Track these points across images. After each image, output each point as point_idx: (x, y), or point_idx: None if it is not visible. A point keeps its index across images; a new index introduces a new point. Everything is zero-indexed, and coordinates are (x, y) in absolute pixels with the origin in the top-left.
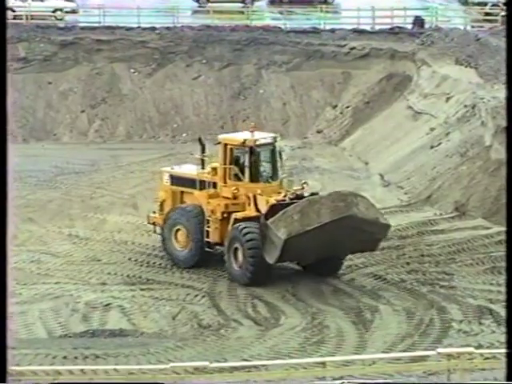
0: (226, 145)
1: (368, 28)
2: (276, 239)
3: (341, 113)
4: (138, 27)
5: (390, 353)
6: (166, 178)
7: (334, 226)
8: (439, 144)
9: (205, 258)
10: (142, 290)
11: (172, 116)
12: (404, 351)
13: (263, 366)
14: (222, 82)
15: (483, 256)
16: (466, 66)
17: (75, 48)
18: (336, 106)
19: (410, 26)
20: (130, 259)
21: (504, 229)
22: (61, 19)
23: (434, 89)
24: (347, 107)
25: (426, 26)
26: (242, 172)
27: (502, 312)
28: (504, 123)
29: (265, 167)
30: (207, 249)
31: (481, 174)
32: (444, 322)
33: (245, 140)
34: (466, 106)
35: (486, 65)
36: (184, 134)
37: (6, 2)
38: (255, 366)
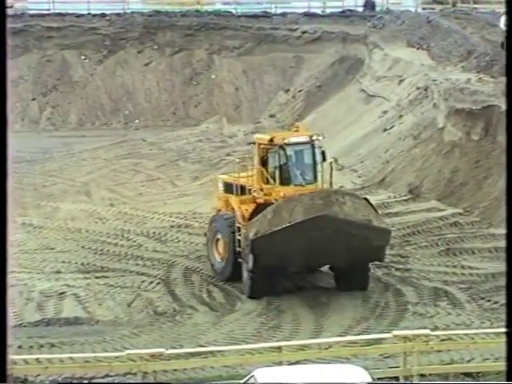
0: (259, 145)
1: (319, 11)
2: (247, 241)
3: (293, 97)
4: (88, 14)
5: (345, 336)
6: (221, 185)
7: (307, 226)
8: (392, 127)
9: (240, 271)
10: (96, 277)
11: (124, 103)
12: (360, 334)
13: (219, 351)
14: (173, 68)
15: (438, 238)
16: (418, 49)
17: (25, 35)
18: (288, 90)
19: (360, 9)
20: (83, 247)
21: (458, 210)
22: (11, 7)
23: (387, 71)
24: (300, 91)
25: (377, 8)
26: (273, 174)
27: (458, 294)
28: (457, 105)
29: (297, 169)
30: (240, 260)
31: (434, 156)
32: (399, 304)
33: (272, 138)
34: (418, 89)
35: (437, 47)
36: (136, 121)
37: (5, 1)
38: (211, 352)
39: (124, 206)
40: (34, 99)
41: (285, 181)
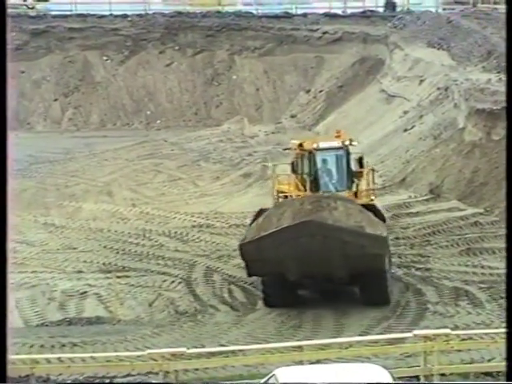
0: (294, 150)
1: (340, 12)
2: None
3: (314, 97)
4: (110, 15)
5: (366, 336)
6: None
7: (294, 232)
8: (413, 127)
9: None
10: (118, 277)
11: (145, 103)
12: (381, 334)
13: (240, 351)
14: (194, 69)
15: (458, 238)
16: (439, 49)
17: (47, 36)
18: (309, 91)
19: (381, 10)
20: (105, 247)
21: (478, 210)
22: (32, 8)
23: (407, 72)
24: (320, 91)
25: (398, 9)
26: (304, 181)
27: (478, 293)
28: (477, 105)
29: (327, 175)
30: None
31: (454, 156)
32: (420, 304)
33: (302, 143)
34: (438, 89)
35: (458, 47)
36: (158, 121)
37: (5, 1)
38: (232, 351)
39: (146, 206)
40: (56, 100)
41: (314, 188)
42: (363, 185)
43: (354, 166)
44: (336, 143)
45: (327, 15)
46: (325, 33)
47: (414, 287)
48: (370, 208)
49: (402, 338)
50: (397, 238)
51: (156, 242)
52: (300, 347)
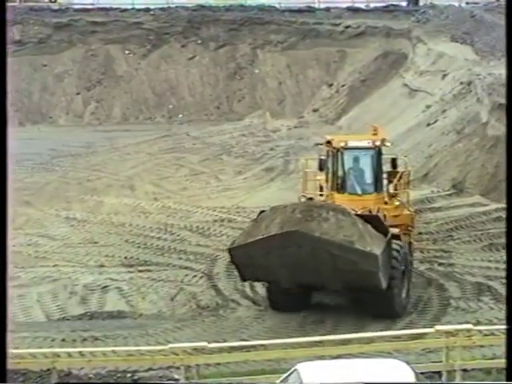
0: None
1: (363, 6)
2: None
3: (337, 91)
4: (133, 8)
5: (388, 331)
6: None
7: (280, 241)
8: (435, 121)
9: None
10: (139, 271)
11: (168, 97)
12: (403, 329)
13: (262, 345)
14: (217, 62)
15: (481, 233)
16: (462, 43)
17: (69, 30)
18: (332, 85)
19: (404, 4)
20: (127, 241)
21: (501, 205)
22: (54, 1)
23: (430, 66)
24: (343, 86)
25: (421, 3)
26: (331, 180)
27: (501, 289)
28: (500, 100)
29: (355, 176)
30: None
31: (477, 150)
32: (442, 299)
33: (330, 141)
34: (462, 83)
35: (481, 41)
36: (180, 115)
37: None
38: (254, 346)
39: (168, 200)
40: (78, 94)
41: (340, 188)
42: (392, 188)
43: (386, 168)
44: (366, 143)
45: (350, 9)
46: (348, 27)
47: (437, 282)
48: (372, 220)
49: (424, 333)
50: (419, 233)
51: (178, 236)
52: (322, 342)
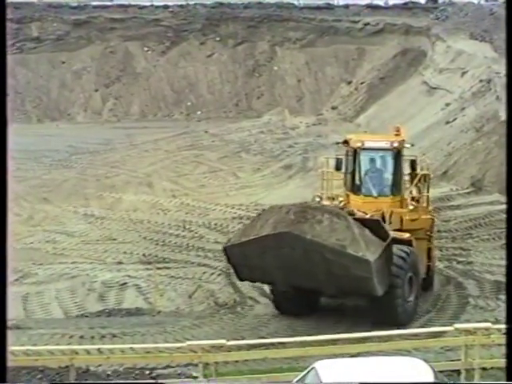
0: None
1: (382, 3)
2: None
3: (355, 89)
4: (151, 5)
5: (407, 329)
6: None
7: (273, 242)
8: (455, 119)
9: None
10: (158, 268)
11: (186, 94)
12: (421, 327)
13: (280, 343)
14: (236, 60)
15: (500, 231)
16: (481, 41)
17: (88, 27)
18: (351, 82)
19: (423, 1)
20: (145, 238)
21: None
22: None
23: (449, 64)
24: (362, 83)
25: (440, 0)
26: (346, 181)
27: None
28: None
29: (371, 177)
30: None
31: (497, 148)
32: (461, 297)
33: (347, 140)
34: (481, 81)
35: (500, 39)
36: (198, 112)
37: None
38: (272, 344)
39: (186, 198)
40: (96, 90)
41: (355, 189)
42: (414, 192)
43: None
44: (384, 143)
45: (369, 6)
46: (366, 24)
47: (456, 280)
48: (372, 224)
49: (443, 331)
50: (438, 231)
51: (196, 233)
52: (340, 340)
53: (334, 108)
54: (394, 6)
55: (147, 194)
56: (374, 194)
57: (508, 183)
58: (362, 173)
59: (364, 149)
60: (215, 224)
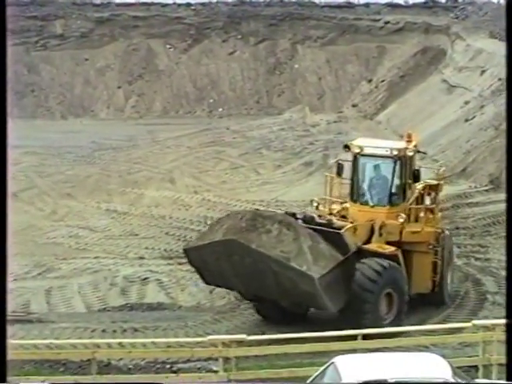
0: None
1: (402, 2)
2: None
3: (376, 87)
4: (174, 3)
5: (425, 325)
6: None
7: (222, 248)
8: (474, 117)
9: None
10: (179, 264)
11: (208, 91)
12: (440, 323)
13: (300, 338)
14: (257, 57)
15: None
16: (500, 39)
17: (111, 24)
18: (371, 80)
19: (443, 0)
20: (167, 233)
21: None
22: None
23: (469, 62)
24: (382, 81)
25: None
26: (349, 187)
27: None
28: None
29: (369, 186)
30: None
31: None
32: (479, 294)
33: (348, 145)
34: (500, 80)
35: None
36: (220, 109)
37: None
38: (292, 339)
39: (207, 194)
40: (119, 87)
41: (353, 197)
42: (427, 202)
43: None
44: (384, 150)
45: (389, 5)
46: (387, 23)
47: (474, 277)
48: (333, 237)
49: (461, 327)
50: (457, 228)
51: None
52: (359, 336)
53: (354, 106)
54: (415, 5)
55: (169, 189)
56: (370, 203)
57: (508, 183)
58: (360, 180)
59: (363, 155)
60: None
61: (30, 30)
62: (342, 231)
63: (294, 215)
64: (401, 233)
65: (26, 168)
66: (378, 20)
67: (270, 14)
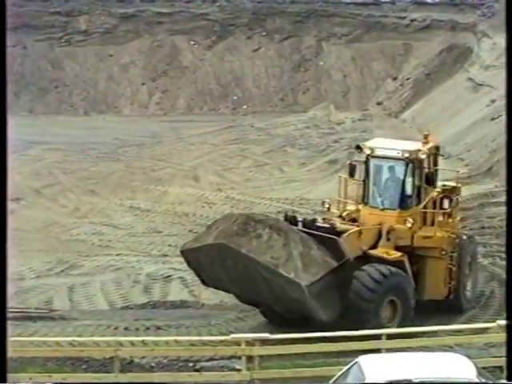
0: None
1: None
2: None
3: (401, 85)
4: None
5: (450, 325)
6: None
7: (215, 252)
8: (500, 116)
9: None
10: None
11: (232, 88)
12: (465, 323)
13: (324, 337)
14: (282, 54)
15: None
16: None
17: (136, 20)
18: (396, 78)
19: None
20: (190, 231)
21: None
22: None
23: (495, 60)
24: (408, 79)
25: None
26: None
27: None
28: None
29: (380, 187)
30: None
31: None
32: (504, 294)
33: (360, 146)
34: None
35: None
36: (244, 106)
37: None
38: (316, 338)
39: (231, 191)
40: (143, 84)
41: (364, 199)
42: (446, 205)
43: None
44: (396, 153)
45: (416, 2)
46: (413, 20)
47: (499, 277)
48: (329, 243)
49: (486, 327)
50: (483, 228)
51: None
52: (383, 335)
53: (379, 103)
54: (441, 3)
55: (193, 187)
56: (380, 206)
57: (508, 183)
58: (371, 182)
59: (374, 156)
60: None
61: (55, 26)
62: (337, 237)
63: (294, 218)
64: (412, 237)
65: (49, 164)
66: (404, 17)
67: (296, 10)
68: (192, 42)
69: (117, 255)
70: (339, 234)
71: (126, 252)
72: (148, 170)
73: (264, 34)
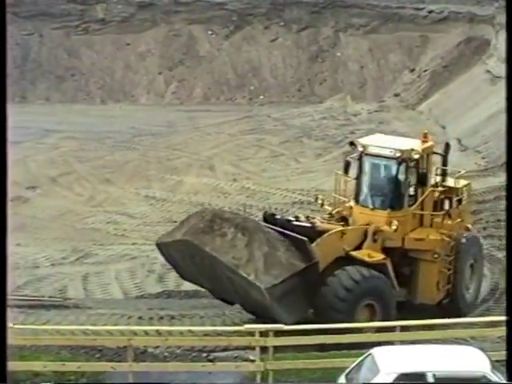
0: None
1: None
2: None
3: (418, 76)
4: None
5: (465, 318)
6: None
7: (183, 248)
8: None
9: None
10: None
11: (249, 78)
12: (479, 316)
13: (337, 329)
14: (299, 45)
15: None
16: None
17: (153, 9)
18: (414, 70)
19: None
20: None
21: None
22: None
23: None
24: (425, 71)
25: None
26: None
27: None
28: None
29: (370, 187)
30: None
31: None
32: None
33: (353, 142)
34: None
35: None
36: (261, 96)
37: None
38: (329, 330)
39: (247, 181)
40: (160, 73)
41: (356, 198)
42: (446, 206)
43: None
44: (388, 151)
45: None
46: (431, 12)
47: None
48: (298, 244)
49: (500, 320)
50: (498, 221)
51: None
52: (397, 327)
53: (396, 95)
54: None
55: (208, 176)
56: (370, 205)
57: (508, 183)
58: (363, 180)
59: (367, 154)
60: (275, 208)
61: (71, 14)
62: (317, 237)
63: (273, 216)
64: (403, 239)
65: (64, 153)
66: (422, 9)
67: (313, 1)
68: (209, 32)
69: (132, 244)
70: (320, 233)
71: (140, 241)
72: (164, 159)
73: (281, 24)
